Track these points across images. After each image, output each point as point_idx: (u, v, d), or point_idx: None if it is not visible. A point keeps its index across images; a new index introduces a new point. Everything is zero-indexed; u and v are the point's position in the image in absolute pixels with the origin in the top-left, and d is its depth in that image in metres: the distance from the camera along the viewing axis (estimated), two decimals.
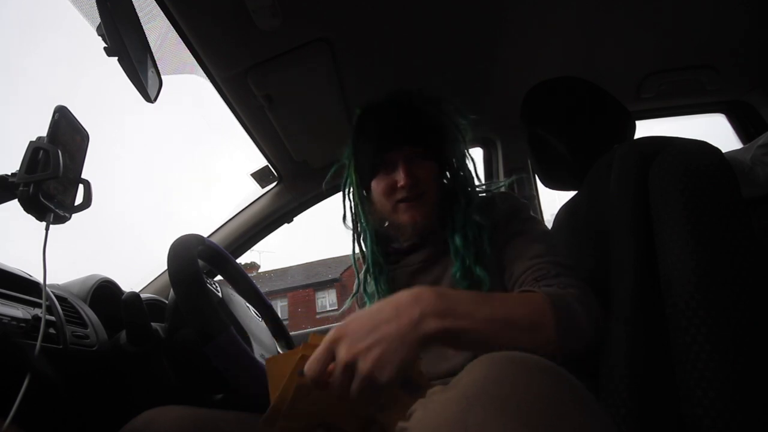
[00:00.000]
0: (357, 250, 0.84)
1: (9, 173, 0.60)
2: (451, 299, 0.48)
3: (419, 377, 0.47)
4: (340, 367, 0.43)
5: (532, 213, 0.77)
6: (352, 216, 0.83)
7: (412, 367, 0.46)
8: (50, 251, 0.62)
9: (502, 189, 0.85)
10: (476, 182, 0.82)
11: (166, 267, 0.78)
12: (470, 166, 0.81)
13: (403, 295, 0.47)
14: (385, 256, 0.82)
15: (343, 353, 0.43)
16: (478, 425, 0.33)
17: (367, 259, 0.82)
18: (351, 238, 0.85)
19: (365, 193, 0.81)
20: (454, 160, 0.79)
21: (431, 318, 0.45)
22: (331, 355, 0.44)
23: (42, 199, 0.59)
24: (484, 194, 0.82)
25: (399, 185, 0.73)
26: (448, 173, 0.81)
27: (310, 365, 0.44)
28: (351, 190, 0.82)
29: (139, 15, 0.76)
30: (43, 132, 0.62)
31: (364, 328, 0.44)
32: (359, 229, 0.83)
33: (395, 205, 0.75)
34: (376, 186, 0.77)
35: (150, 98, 0.81)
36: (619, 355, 0.54)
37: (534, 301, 0.55)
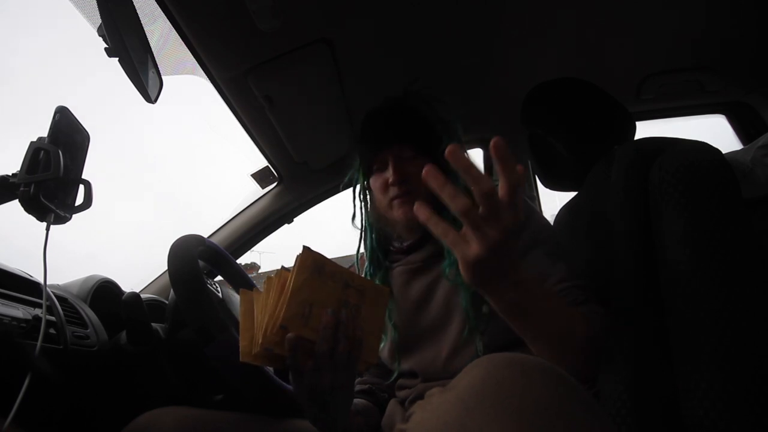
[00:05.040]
0: (362, 249, 0.86)
1: (9, 173, 0.60)
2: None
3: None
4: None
5: (540, 218, 0.76)
6: (360, 216, 0.85)
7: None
8: (50, 251, 0.62)
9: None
10: None
11: (166, 267, 0.78)
12: None
13: None
14: (386, 254, 0.84)
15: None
16: (477, 427, 0.33)
17: (366, 257, 0.84)
18: (351, 237, 0.86)
19: (368, 193, 0.84)
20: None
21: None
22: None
23: (43, 200, 0.59)
24: None
25: (389, 182, 0.75)
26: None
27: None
28: (358, 189, 0.85)
29: (139, 15, 0.76)
30: (44, 132, 0.62)
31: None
32: (364, 227, 0.85)
33: (390, 203, 0.76)
34: (374, 184, 0.80)
35: (151, 99, 0.81)
36: (620, 355, 0.54)
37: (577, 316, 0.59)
